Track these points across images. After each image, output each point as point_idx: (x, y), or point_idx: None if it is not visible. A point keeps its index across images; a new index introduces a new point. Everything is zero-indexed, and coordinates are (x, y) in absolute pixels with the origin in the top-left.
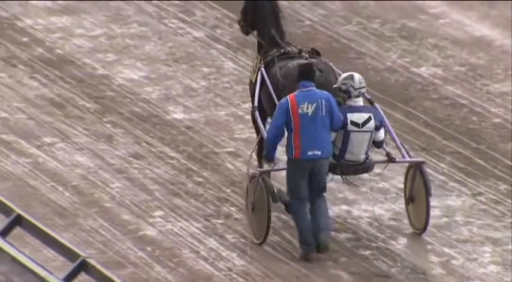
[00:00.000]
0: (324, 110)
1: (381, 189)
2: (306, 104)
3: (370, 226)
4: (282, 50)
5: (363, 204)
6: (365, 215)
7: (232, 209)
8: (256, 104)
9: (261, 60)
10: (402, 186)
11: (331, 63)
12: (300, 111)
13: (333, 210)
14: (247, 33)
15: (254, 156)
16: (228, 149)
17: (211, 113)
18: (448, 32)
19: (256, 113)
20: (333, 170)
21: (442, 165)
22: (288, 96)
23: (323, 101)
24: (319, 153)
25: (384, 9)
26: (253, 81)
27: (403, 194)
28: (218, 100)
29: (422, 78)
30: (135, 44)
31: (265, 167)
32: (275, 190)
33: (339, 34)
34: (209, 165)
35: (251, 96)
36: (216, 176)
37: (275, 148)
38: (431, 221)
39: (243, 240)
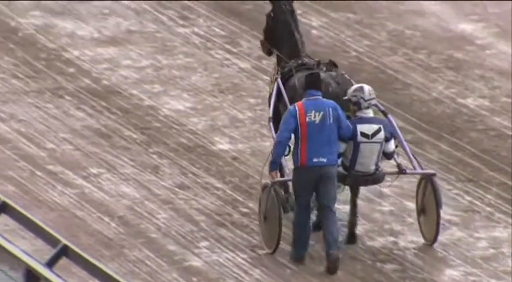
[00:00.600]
0: (331, 119)
1: None
2: (313, 112)
3: (416, 257)
4: (300, 61)
5: (408, 235)
6: (411, 246)
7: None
8: (271, 115)
9: (278, 71)
10: (449, 217)
11: (346, 76)
12: (307, 119)
13: (379, 241)
14: (269, 53)
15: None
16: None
17: (257, 144)
18: (495, 62)
19: (271, 123)
20: (343, 180)
21: (488, 196)
22: (295, 104)
23: (330, 109)
24: (325, 160)
25: (430, 40)
26: (270, 92)
27: (449, 225)
28: (264, 131)
29: (468, 109)
30: (181, 75)
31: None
32: (288, 200)
33: (385, 65)
34: (255, 196)
35: (269, 107)
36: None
37: (282, 155)
38: (478, 252)
39: (288, 271)
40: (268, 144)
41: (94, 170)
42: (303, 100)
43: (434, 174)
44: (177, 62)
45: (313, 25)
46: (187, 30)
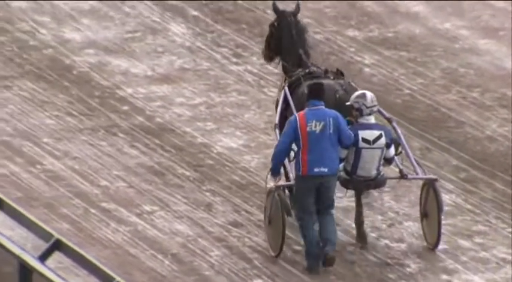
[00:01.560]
0: (331, 128)
1: (481, 258)
2: (314, 122)
3: None
4: (307, 70)
5: (463, 273)
6: None
7: (332, 277)
8: (277, 122)
9: (285, 79)
10: (503, 256)
11: (353, 84)
12: (308, 128)
13: (433, 280)
14: (271, 60)
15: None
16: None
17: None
18: None
19: (277, 130)
20: (345, 185)
21: None
22: (297, 114)
23: (331, 119)
24: (326, 170)
25: (484, 78)
26: (278, 99)
27: (503, 263)
28: None
29: None
30: (234, 113)
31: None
32: (290, 204)
33: (438, 103)
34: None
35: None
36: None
37: (281, 163)
38: None
39: None
40: None
41: (147, 208)
42: (305, 110)
43: (436, 180)
44: (230, 99)
45: (366, 63)
46: (240, 68)
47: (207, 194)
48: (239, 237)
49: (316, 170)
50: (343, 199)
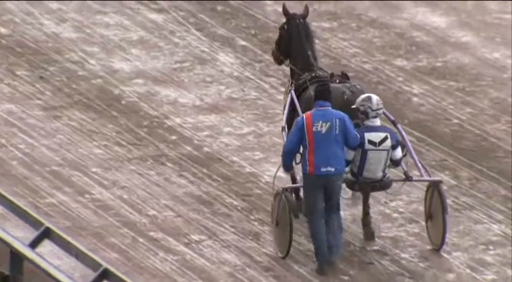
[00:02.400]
0: (337, 129)
1: None
2: (320, 122)
3: None
4: (314, 74)
5: None
6: None
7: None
8: (284, 125)
9: (292, 83)
10: None
11: (358, 86)
12: (314, 129)
13: None
14: (281, 63)
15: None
16: (375, 248)
17: (358, 211)
18: None
19: (284, 133)
20: (351, 187)
21: None
22: (304, 114)
23: (337, 120)
24: (333, 169)
25: None
26: (285, 103)
27: None
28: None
29: None
30: (282, 142)
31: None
32: (301, 207)
33: (487, 133)
34: (356, 263)
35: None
36: (363, 274)
37: (290, 162)
38: None
39: None
40: (370, 212)
41: (195, 237)
42: (313, 110)
43: (440, 182)
44: (278, 129)
45: (414, 92)
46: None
47: (255, 223)
48: (287, 267)
49: (322, 169)
50: (351, 205)
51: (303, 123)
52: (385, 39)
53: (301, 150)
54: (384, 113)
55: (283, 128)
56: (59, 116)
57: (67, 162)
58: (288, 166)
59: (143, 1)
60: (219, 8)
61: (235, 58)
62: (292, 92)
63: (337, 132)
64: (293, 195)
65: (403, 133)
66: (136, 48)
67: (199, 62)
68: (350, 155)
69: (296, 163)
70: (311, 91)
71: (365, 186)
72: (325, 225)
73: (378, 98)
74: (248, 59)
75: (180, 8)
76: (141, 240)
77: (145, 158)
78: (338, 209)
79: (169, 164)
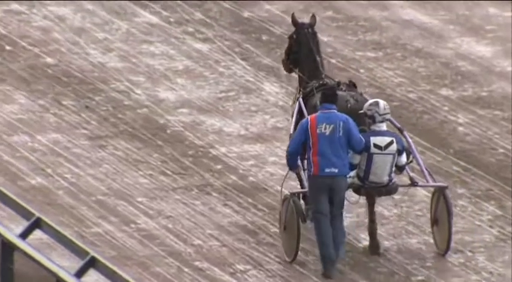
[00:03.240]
0: (341, 131)
1: None
2: (324, 124)
3: None
4: (321, 82)
5: None
6: None
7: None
8: (292, 132)
9: (300, 91)
10: None
11: (365, 95)
12: (318, 130)
13: None
14: (290, 71)
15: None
16: (420, 278)
17: (403, 241)
18: None
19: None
20: (357, 191)
21: None
22: (309, 117)
23: (341, 122)
24: (336, 171)
25: None
26: (292, 111)
27: None
28: (410, 228)
29: None
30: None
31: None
32: (308, 212)
33: None
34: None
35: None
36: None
37: (295, 163)
38: None
39: None
40: (414, 241)
41: (240, 267)
42: (318, 113)
43: (446, 187)
44: None
45: (460, 122)
46: None
47: (300, 253)
48: None
49: (327, 170)
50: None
51: (308, 125)
52: (430, 68)
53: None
54: (389, 120)
55: (291, 135)
56: (105, 146)
57: (112, 192)
58: (292, 166)
59: (189, 30)
60: (264, 37)
61: (280, 87)
62: (300, 99)
63: (340, 134)
64: (301, 200)
65: (409, 140)
66: (182, 78)
67: (245, 91)
68: (356, 158)
69: (303, 169)
70: (317, 98)
71: (371, 190)
72: (332, 229)
73: (385, 103)
74: (293, 88)
75: (226, 38)
76: (186, 270)
77: (190, 187)
78: (342, 211)
79: (214, 194)
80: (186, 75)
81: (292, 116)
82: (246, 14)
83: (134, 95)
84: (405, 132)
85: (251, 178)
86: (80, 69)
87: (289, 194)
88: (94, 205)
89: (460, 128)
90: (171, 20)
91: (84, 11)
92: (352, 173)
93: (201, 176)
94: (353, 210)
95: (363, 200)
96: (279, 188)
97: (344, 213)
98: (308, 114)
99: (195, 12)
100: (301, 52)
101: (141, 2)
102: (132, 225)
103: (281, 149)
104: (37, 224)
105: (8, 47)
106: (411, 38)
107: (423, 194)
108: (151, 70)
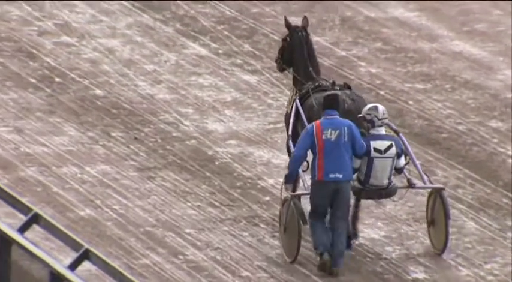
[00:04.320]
0: (346, 137)
1: None
2: (329, 130)
3: None
4: (317, 83)
5: None
6: None
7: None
8: (290, 133)
9: (296, 92)
10: None
11: (361, 95)
12: (323, 136)
13: None
14: (282, 70)
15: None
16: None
17: (452, 274)
18: None
19: (290, 141)
20: (358, 194)
21: None
22: (314, 123)
23: (345, 128)
24: (341, 176)
25: None
26: (288, 112)
27: None
28: (460, 260)
29: None
30: (375, 204)
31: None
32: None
33: None
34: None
35: (286, 128)
36: None
37: (297, 169)
38: None
39: None
40: (463, 274)
41: None
42: (322, 119)
43: (443, 189)
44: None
45: (509, 154)
46: None
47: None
48: None
49: (331, 176)
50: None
51: (313, 131)
52: (479, 100)
53: (308, 158)
54: (388, 124)
55: (289, 137)
56: (153, 177)
57: (161, 223)
58: (293, 174)
59: (237, 62)
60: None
61: None
62: (297, 101)
63: (345, 139)
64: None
65: (406, 142)
66: (230, 109)
67: None
68: (357, 163)
69: (303, 171)
70: (312, 100)
71: (371, 193)
72: (333, 231)
73: (383, 108)
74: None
75: (274, 70)
76: None
77: (238, 219)
78: (346, 217)
79: (262, 225)
80: (235, 107)
81: (286, 118)
82: None
83: (183, 127)
84: (401, 135)
85: None
86: (129, 100)
87: (289, 196)
88: (142, 236)
89: (510, 160)
90: (220, 52)
91: (133, 43)
92: (353, 177)
93: (249, 207)
94: (404, 242)
95: (415, 233)
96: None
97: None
98: (305, 115)
99: (244, 44)
100: (294, 54)
101: (191, 34)
102: (181, 257)
103: None
104: (86, 255)
105: (57, 79)
106: (460, 70)
107: (473, 227)
108: (199, 102)
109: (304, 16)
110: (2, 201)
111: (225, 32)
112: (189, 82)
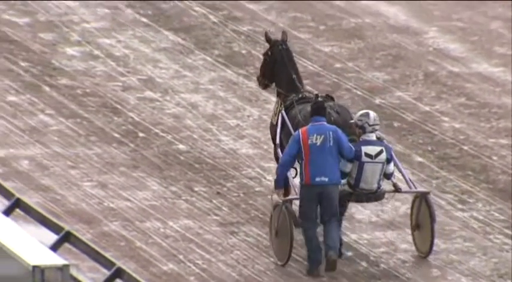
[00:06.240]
0: (331, 141)
1: None
2: (315, 135)
3: None
4: (300, 95)
5: None
6: None
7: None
8: (278, 142)
9: (281, 104)
10: None
11: (345, 106)
12: (309, 141)
13: None
14: (265, 87)
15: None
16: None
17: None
18: None
19: (278, 150)
20: (348, 197)
21: None
22: (300, 129)
23: (331, 133)
24: (327, 179)
25: None
26: (274, 123)
27: None
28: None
29: None
30: (459, 260)
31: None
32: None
33: None
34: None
35: (272, 138)
36: None
37: (284, 175)
38: None
39: None
40: None
41: None
42: (309, 125)
43: (428, 193)
44: (455, 246)
45: None
46: (465, 215)
47: None
48: None
49: (317, 179)
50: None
51: (299, 137)
52: None
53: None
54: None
55: (277, 145)
56: (236, 232)
57: (243, 278)
58: (281, 179)
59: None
60: (395, 124)
61: (412, 174)
62: (283, 112)
63: (331, 144)
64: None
65: (391, 147)
66: None
67: None
68: (348, 167)
69: (293, 177)
70: (296, 110)
71: (361, 197)
72: (324, 231)
73: (375, 114)
74: (425, 176)
75: None
76: None
77: (320, 274)
78: (337, 218)
79: (344, 280)
80: None
81: (271, 128)
82: (377, 101)
83: (265, 181)
84: (385, 141)
85: (382, 265)
86: (212, 155)
87: (281, 201)
88: None
89: None
90: None
91: (216, 98)
92: (343, 181)
93: None
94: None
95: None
96: (410, 275)
97: (340, 220)
98: (291, 125)
99: None
100: (276, 68)
101: (273, 89)
102: None
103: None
104: None
105: (141, 134)
106: None
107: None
108: None
109: (283, 31)
110: (86, 256)
111: (308, 87)
112: None
